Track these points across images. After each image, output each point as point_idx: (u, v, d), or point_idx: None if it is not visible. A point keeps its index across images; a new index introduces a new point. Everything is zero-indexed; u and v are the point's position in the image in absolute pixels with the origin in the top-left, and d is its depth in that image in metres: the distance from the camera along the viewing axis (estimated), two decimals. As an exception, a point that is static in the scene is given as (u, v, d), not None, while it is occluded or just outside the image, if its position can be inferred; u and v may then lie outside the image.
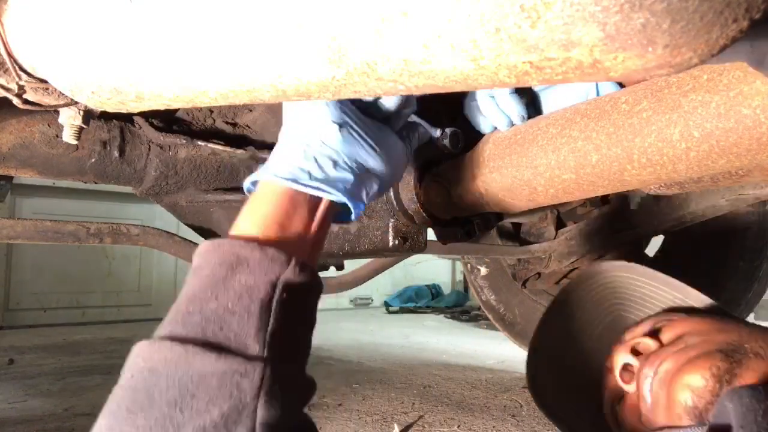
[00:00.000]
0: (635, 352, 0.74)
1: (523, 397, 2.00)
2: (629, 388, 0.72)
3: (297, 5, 0.39)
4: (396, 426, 1.61)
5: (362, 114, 0.61)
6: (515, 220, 1.78)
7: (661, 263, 1.78)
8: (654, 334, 0.75)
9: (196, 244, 1.05)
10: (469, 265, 2.22)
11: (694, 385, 0.62)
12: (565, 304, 0.96)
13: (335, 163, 0.57)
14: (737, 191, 1.17)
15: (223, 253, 0.50)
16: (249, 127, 1.08)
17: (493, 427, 1.65)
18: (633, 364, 0.73)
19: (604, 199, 1.74)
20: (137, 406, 0.43)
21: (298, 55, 0.42)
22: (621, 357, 0.75)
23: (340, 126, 0.57)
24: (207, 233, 1.18)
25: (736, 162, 0.59)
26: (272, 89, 0.48)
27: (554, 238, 1.75)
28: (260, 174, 0.57)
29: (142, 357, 0.46)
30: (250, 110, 1.05)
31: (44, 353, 2.84)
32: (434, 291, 5.72)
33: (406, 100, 0.65)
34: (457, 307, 5.38)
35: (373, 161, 0.60)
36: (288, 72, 0.45)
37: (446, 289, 5.96)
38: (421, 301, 5.50)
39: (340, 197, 0.56)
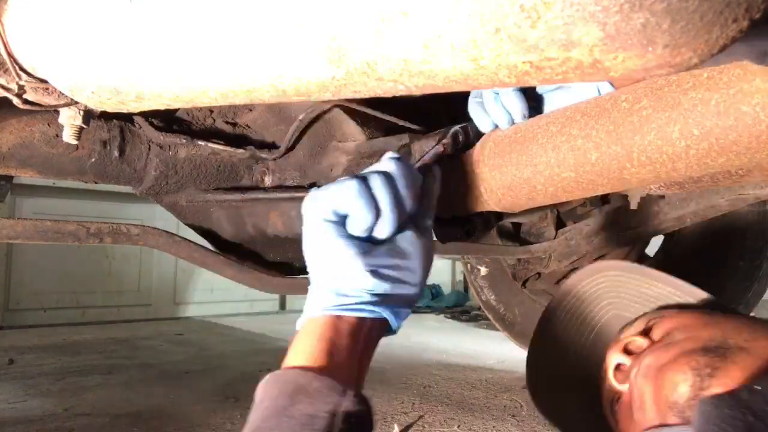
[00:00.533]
0: (627, 351, 0.74)
1: (523, 397, 2.00)
2: (623, 387, 0.72)
3: (297, 5, 0.39)
4: (396, 426, 1.61)
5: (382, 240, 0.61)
6: (515, 220, 1.77)
7: (661, 263, 1.79)
8: (646, 332, 0.75)
9: (196, 244, 1.05)
10: (469, 265, 2.22)
11: (674, 380, 0.62)
12: (564, 303, 0.96)
13: (370, 292, 0.58)
14: (737, 191, 1.17)
15: (283, 382, 0.51)
16: (249, 127, 1.08)
17: (493, 427, 1.65)
18: (625, 363, 0.73)
19: (604, 199, 1.73)
20: None
21: (298, 55, 0.43)
22: (614, 357, 0.74)
23: (372, 273, 0.58)
24: (207, 233, 1.18)
25: (735, 160, 0.59)
26: (272, 89, 0.48)
27: (554, 238, 1.75)
28: (307, 313, 0.59)
29: None
30: (250, 110, 1.05)
31: (44, 353, 2.84)
32: (434, 291, 5.71)
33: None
34: (457, 307, 5.37)
35: (408, 279, 0.61)
36: (288, 72, 0.45)
37: (446, 289, 5.96)
38: (421, 301, 5.49)
39: (378, 313, 0.58)
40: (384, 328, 0.62)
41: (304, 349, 0.55)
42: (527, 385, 0.95)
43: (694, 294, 0.86)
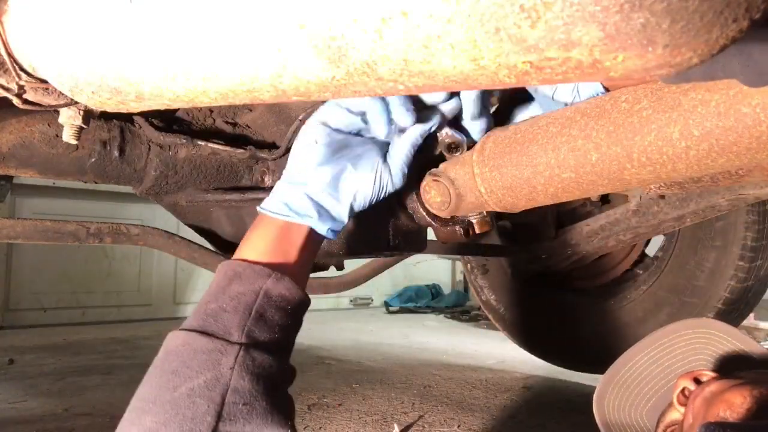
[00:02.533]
0: (696, 380, 0.77)
1: (523, 397, 2.00)
2: (680, 409, 0.75)
3: (297, 5, 0.39)
4: (396, 426, 1.61)
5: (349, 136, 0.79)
6: (515, 220, 1.78)
7: (661, 263, 1.79)
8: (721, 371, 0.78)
9: (196, 244, 1.05)
10: (469, 265, 2.22)
11: (732, 401, 0.63)
12: (654, 345, 0.98)
13: (304, 196, 0.74)
14: (737, 191, 1.17)
15: (226, 269, 0.68)
16: (249, 127, 1.08)
17: (493, 427, 1.65)
18: (690, 388, 0.75)
19: (604, 199, 1.74)
20: (153, 374, 0.61)
21: (298, 55, 0.43)
22: (681, 382, 0.77)
23: (306, 173, 0.75)
24: (207, 233, 1.18)
25: (735, 161, 0.59)
26: (272, 89, 0.48)
27: (554, 238, 1.75)
28: (258, 208, 0.75)
29: (165, 344, 0.63)
30: (250, 110, 1.05)
31: (44, 353, 2.84)
32: (434, 291, 5.71)
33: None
34: (457, 307, 5.37)
35: (350, 194, 0.77)
36: (288, 72, 0.45)
37: (446, 289, 5.95)
38: (421, 301, 5.50)
39: (312, 223, 0.73)
40: (313, 236, 0.75)
41: (249, 242, 0.72)
42: (594, 405, 0.97)
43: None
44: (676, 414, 0.79)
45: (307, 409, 1.82)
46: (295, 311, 0.68)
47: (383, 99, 0.76)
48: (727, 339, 0.92)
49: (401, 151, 0.79)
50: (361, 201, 0.78)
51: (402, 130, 0.79)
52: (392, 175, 0.79)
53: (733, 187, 1.17)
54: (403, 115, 0.76)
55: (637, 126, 0.62)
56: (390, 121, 0.77)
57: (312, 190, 0.74)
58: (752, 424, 0.58)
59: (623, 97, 0.64)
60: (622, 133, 0.63)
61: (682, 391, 0.76)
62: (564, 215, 1.79)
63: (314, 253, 0.77)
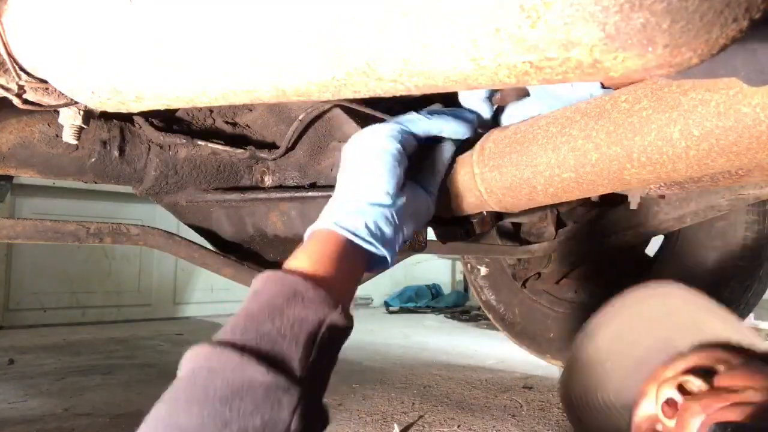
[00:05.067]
0: (682, 389, 0.71)
1: (523, 397, 2.00)
2: (669, 423, 0.70)
3: (297, 6, 0.39)
4: (396, 426, 1.61)
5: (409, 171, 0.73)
6: (515, 220, 1.77)
7: (661, 263, 1.79)
8: (705, 373, 0.72)
9: (196, 244, 1.05)
10: (469, 265, 2.22)
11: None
12: (613, 319, 0.93)
13: (388, 223, 0.66)
14: (737, 191, 1.17)
15: (284, 284, 0.57)
16: (249, 127, 1.08)
17: (493, 427, 1.65)
18: (678, 400, 0.70)
19: (605, 199, 1.73)
20: (194, 398, 0.49)
21: (299, 55, 0.43)
22: (665, 391, 0.71)
23: (394, 198, 0.67)
24: (207, 233, 1.18)
25: (735, 161, 0.59)
26: (272, 89, 0.48)
27: (554, 238, 1.75)
28: (322, 222, 0.65)
29: (204, 356, 0.52)
30: (250, 110, 1.05)
31: (44, 353, 2.84)
32: (434, 291, 5.71)
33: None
34: (457, 307, 5.37)
35: (412, 225, 0.72)
36: (288, 72, 0.45)
37: (446, 289, 5.95)
38: (421, 301, 5.50)
39: (384, 253, 0.66)
40: (371, 263, 0.69)
41: (310, 257, 0.61)
42: (560, 392, 0.94)
43: (751, 340, 0.82)
44: (650, 407, 0.75)
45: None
46: (341, 345, 0.60)
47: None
48: (688, 308, 0.87)
49: (438, 177, 0.78)
50: (415, 230, 0.73)
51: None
52: (431, 204, 0.77)
53: (733, 187, 1.17)
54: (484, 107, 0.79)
55: (637, 126, 0.62)
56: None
57: (392, 216, 0.67)
58: (758, 425, 0.56)
59: (623, 97, 0.64)
60: (622, 133, 0.63)
61: (668, 402, 0.71)
62: (564, 215, 1.79)
63: (361, 279, 0.69)
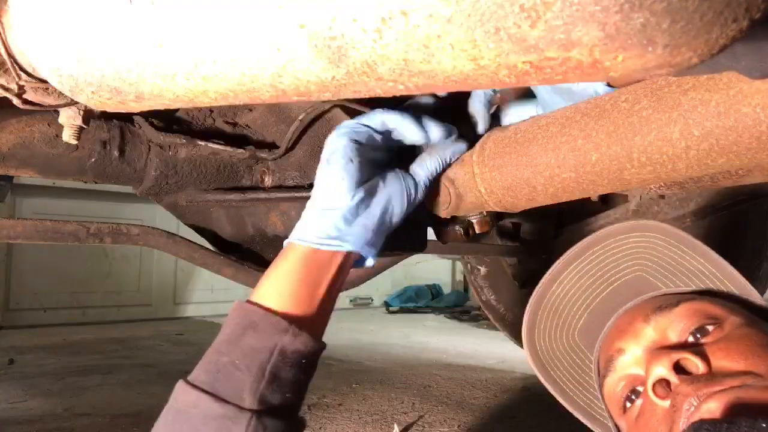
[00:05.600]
0: (678, 367, 0.62)
1: (523, 397, 2.00)
2: (663, 403, 0.62)
3: (297, 5, 0.39)
4: (396, 426, 1.61)
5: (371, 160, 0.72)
6: (515, 220, 1.78)
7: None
8: (700, 347, 0.64)
9: (196, 244, 1.05)
10: (469, 265, 2.22)
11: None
12: (582, 255, 0.84)
13: (345, 221, 0.67)
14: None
15: (242, 314, 0.64)
16: (249, 127, 1.08)
17: (493, 427, 1.65)
18: (673, 381, 0.62)
19: (604, 199, 1.74)
20: None
21: (298, 55, 0.43)
22: (657, 369, 0.63)
23: (350, 194, 0.68)
24: (207, 233, 1.18)
25: (735, 161, 0.59)
26: (272, 89, 0.48)
27: (554, 238, 1.75)
28: (290, 236, 0.69)
29: (176, 397, 0.61)
30: (250, 110, 1.05)
31: (44, 353, 2.84)
32: (434, 291, 5.72)
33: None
34: (457, 307, 5.37)
35: (393, 210, 0.72)
36: (288, 72, 0.45)
37: (446, 289, 5.96)
38: (421, 301, 5.50)
39: (351, 248, 0.67)
40: (355, 259, 0.71)
41: (270, 281, 0.66)
42: (524, 337, 0.85)
43: (735, 279, 0.74)
44: (631, 367, 0.68)
45: (308, 409, 1.82)
46: (310, 364, 0.65)
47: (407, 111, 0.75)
48: (668, 242, 0.78)
49: (431, 165, 0.77)
50: (396, 219, 0.74)
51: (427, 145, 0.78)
52: (417, 189, 0.76)
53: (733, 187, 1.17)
54: (436, 128, 0.75)
55: (637, 126, 0.62)
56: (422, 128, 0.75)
57: (349, 213, 0.68)
58: (746, 420, 0.52)
59: (623, 97, 0.64)
60: (622, 133, 0.63)
61: (660, 381, 0.63)
62: (564, 215, 1.79)
63: (344, 282, 0.72)
